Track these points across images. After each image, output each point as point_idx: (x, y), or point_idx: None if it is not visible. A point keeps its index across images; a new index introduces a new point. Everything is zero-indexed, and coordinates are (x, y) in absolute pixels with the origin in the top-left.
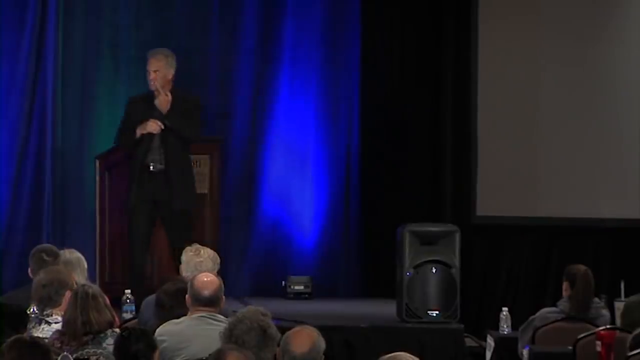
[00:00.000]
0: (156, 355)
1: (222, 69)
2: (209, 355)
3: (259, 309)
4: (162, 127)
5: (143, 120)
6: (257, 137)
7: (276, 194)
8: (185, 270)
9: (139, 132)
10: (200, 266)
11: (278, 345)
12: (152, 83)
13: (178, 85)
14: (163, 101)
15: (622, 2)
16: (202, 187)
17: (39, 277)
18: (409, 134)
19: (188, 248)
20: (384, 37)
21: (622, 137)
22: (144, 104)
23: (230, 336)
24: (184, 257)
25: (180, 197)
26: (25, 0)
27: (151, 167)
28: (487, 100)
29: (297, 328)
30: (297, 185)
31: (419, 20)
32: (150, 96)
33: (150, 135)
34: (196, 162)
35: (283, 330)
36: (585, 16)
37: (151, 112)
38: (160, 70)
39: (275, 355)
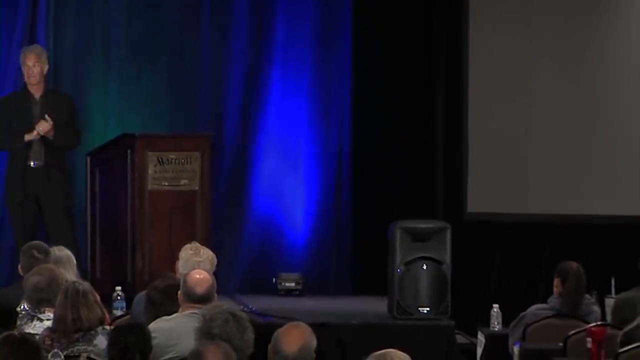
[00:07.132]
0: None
1: (213, 67)
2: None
3: (217, 303)
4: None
5: (20, 117)
6: (249, 134)
7: (268, 191)
8: (182, 268)
9: (28, 138)
10: (199, 266)
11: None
12: (32, 77)
13: (174, 84)
14: (45, 127)
15: None
16: (193, 183)
17: (34, 279)
18: (400, 131)
19: (188, 246)
20: (375, 36)
21: (613, 133)
22: (17, 102)
23: (213, 337)
24: (182, 255)
25: (62, 194)
26: (15, 0)
27: (32, 164)
28: (479, 97)
29: (288, 326)
30: (288, 183)
31: (410, 19)
32: (22, 93)
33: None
34: (187, 158)
35: (273, 328)
36: (579, 12)
37: (28, 109)
38: (38, 65)
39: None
